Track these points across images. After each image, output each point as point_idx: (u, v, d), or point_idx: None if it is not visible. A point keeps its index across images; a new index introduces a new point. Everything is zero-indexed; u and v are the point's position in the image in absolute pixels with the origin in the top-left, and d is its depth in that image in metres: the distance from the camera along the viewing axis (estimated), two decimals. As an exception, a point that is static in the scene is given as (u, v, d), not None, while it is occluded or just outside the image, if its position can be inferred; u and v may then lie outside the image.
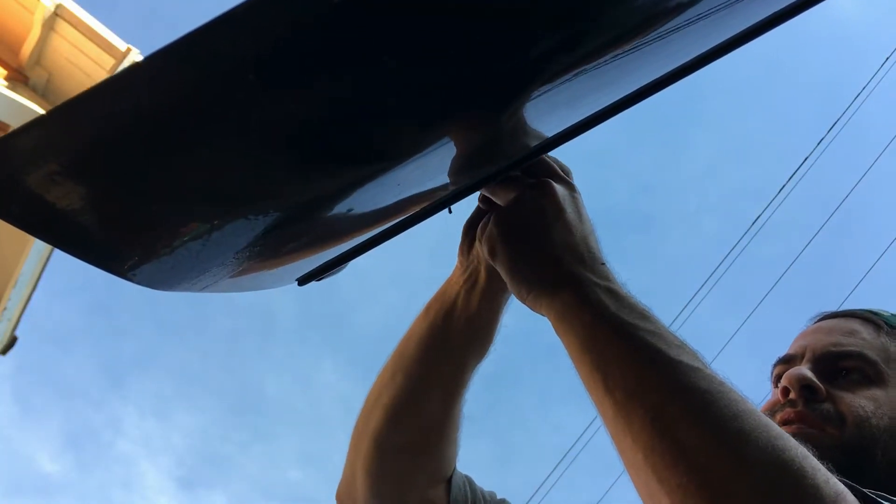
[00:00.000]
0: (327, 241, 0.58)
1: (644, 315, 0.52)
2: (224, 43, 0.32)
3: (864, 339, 0.75)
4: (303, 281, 0.64)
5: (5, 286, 4.21)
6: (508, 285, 0.61)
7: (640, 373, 0.47)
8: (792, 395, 0.70)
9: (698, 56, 0.57)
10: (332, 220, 0.53)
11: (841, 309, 0.82)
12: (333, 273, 0.67)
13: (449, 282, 0.73)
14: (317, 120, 0.38)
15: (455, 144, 0.50)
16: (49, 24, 3.63)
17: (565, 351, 0.55)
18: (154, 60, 0.31)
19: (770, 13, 0.55)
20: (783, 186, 7.09)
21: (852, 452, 0.64)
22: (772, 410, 0.71)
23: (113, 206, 0.37)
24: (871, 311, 0.79)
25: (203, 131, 0.35)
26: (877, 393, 0.69)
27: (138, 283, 0.42)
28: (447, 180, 0.60)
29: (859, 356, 0.72)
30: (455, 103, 0.45)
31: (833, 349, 0.73)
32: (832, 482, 0.41)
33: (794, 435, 0.61)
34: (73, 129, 0.33)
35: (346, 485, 0.75)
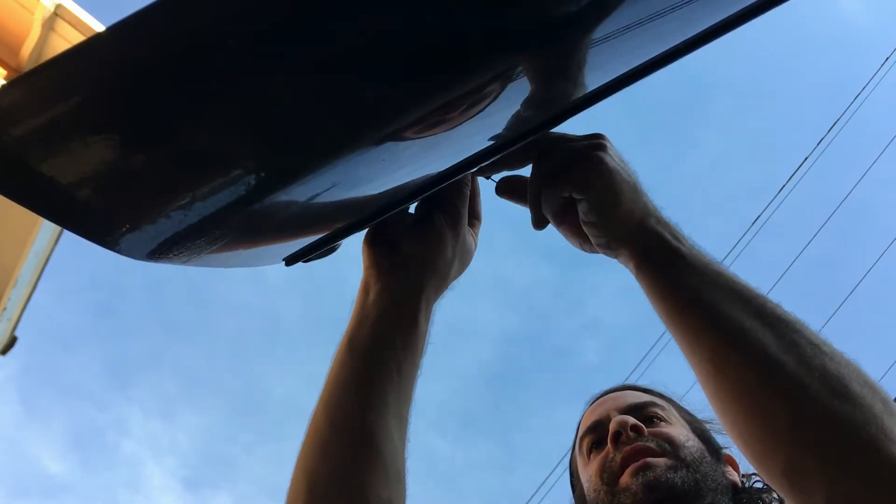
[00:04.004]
0: (315, 220, 0.59)
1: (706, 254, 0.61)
2: (201, 7, 0.32)
3: (645, 396, 0.93)
4: (290, 261, 0.64)
5: (5, 286, 4.21)
6: (592, 232, 0.64)
7: (747, 291, 0.55)
8: (624, 438, 0.81)
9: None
10: (319, 196, 0.53)
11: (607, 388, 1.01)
12: (323, 254, 0.67)
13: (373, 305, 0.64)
14: (299, 84, 0.38)
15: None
16: (49, 24, 3.64)
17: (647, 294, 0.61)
18: (132, 21, 0.31)
19: None
20: (783, 186, 7.09)
21: (695, 469, 0.77)
22: (606, 461, 0.82)
23: (93, 172, 0.37)
24: (625, 385, 0.99)
25: (182, 96, 0.36)
26: (676, 428, 0.85)
27: (119, 252, 0.43)
28: (439, 164, 0.60)
29: (653, 404, 0.90)
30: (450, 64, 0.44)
31: (634, 402, 0.90)
32: None
33: (647, 467, 0.76)
34: (53, 91, 0.33)
35: None
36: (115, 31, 0.31)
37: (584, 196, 0.63)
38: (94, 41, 0.31)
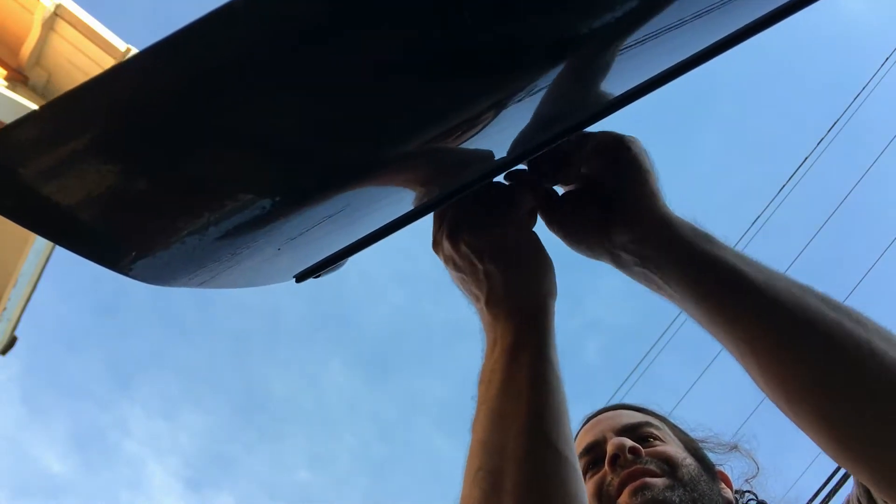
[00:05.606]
0: (325, 238, 0.58)
1: None
2: (222, 35, 0.32)
3: (639, 415, 0.93)
4: (301, 277, 0.64)
5: (5, 286, 4.21)
6: (618, 210, 0.63)
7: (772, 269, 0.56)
8: (622, 460, 0.81)
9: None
10: (332, 216, 0.53)
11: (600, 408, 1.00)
12: (332, 270, 0.67)
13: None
14: (313, 112, 0.38)
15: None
16: (49, 24, 3.63)
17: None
18: (151, 53, 0.31)
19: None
20: (783, 186, 7.10)
21: (692, 488, 0.78)
22: (603, 483, 0.81)
23: (108, 200, 0.37)
24: (619, 404, 0.99)
25: (199, 125, 0.35)
26: (672, 447, 0.86)
27: (134, 278, 0.42)
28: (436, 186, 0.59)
29: (648, 424, 0.89)
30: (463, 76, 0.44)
31: (629, 423, 0.89)
32: None
33: (645, 487, 0.76)
34: (70, 122, 0.33)
35: None
36: (136, 60, 0.30)
37: (622, 175, 0.63)
38: (117, 71, 0.31)
